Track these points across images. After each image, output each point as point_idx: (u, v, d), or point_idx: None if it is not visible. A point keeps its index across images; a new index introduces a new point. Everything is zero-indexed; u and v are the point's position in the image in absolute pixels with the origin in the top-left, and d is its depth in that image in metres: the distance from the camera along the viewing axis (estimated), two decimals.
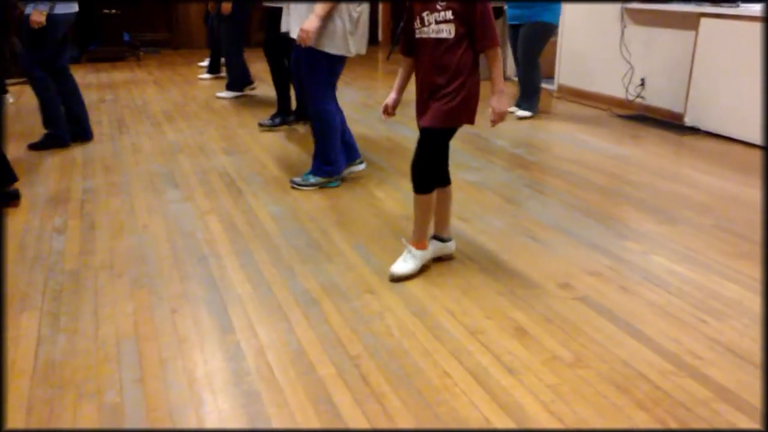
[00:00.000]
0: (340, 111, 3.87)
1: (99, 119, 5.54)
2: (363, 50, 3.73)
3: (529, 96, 5.83)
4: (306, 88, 3.79)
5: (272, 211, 3.51)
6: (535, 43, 5.68)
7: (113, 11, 8.51)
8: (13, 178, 3.59)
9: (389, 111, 2.87)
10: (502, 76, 2.62)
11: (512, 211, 3.56)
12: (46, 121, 4.57)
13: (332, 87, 3.79)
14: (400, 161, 4.43)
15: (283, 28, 4.23)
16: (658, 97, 5.91)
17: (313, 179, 3.86)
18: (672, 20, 5.65)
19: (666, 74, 5.78)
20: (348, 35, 3.59)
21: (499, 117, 2.62)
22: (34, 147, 4.56)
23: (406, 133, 5.19)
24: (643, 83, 6.04)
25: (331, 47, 3.57)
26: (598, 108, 6.28)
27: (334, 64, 3.68)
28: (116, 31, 8.71)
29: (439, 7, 2.56)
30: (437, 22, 2.57)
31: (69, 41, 4.63)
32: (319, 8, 3.49)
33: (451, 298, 2.60)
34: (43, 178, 3.98)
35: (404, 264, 2.78)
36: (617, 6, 6.17)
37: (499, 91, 2.61)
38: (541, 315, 2.48)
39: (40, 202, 3.59)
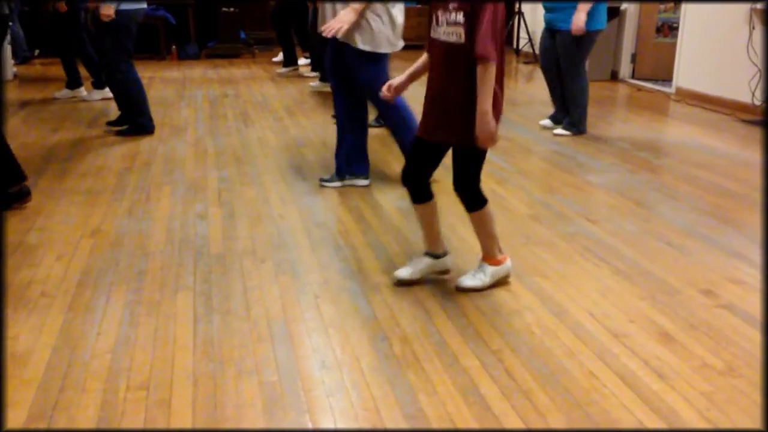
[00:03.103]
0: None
1: (224, 113, 5.78)
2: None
3: (571, 112, 5.11)
4: (371, 96, 3.65)
5: (399, 205, 3.58)
6: (571, 54, 4.94)
7: (232, 9, 8.84)
8: (22, 177, 3.46)
9: (390, 90, 2.64)
10: (490, 96, 2.33)
11: (643, 215, 3.48)
12: (133, 111, 4.93)
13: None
14: (520, 160, 4.41)
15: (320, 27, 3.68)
16: None
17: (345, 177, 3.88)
18: None
19: None
20: (390, 30, 3.56)
21: (485, 140, 2.38)
22: (120, 134, 4.93)
23: (522, 132, 5.16)
24: None
25: (381, 46, 3.54)
26: (719, 112, 6.03)
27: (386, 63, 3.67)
28: (234, 28, 9.06)
29: (451, 7, 2.35)
30: (448, 24, 2.38)
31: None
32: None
33: (589, 300, 2.59)
34: (179, 167, 4.20)
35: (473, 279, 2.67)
36: (744, 7, 5.91)
37: (481, 111, 2.33)
38: (686, 321, 2.43)
39: (180, 189, 3.79)
